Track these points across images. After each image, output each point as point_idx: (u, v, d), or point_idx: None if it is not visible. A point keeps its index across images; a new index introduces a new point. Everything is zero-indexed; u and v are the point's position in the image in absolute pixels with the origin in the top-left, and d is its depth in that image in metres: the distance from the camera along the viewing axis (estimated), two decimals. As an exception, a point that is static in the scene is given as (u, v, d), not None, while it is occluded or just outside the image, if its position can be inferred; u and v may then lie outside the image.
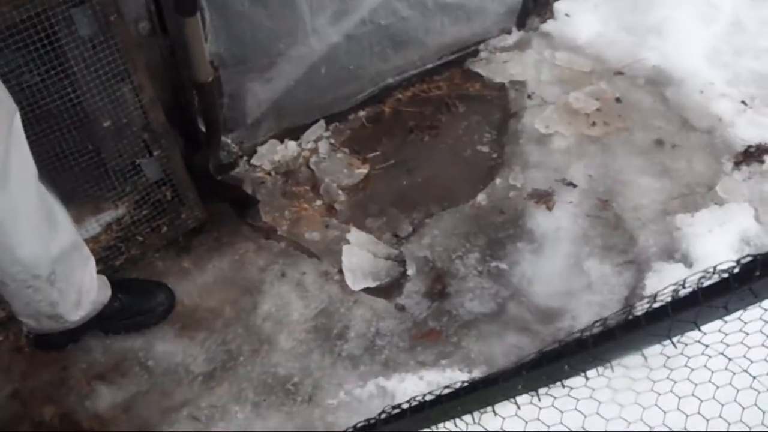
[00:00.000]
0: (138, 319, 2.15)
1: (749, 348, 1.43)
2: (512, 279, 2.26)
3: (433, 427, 1.50)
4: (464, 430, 1.53)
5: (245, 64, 2.35)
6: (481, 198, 2.48)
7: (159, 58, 2.26)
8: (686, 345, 1.30)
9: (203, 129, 2.34)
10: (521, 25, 3.08)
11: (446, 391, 1.40)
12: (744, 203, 2.43)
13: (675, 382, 1.53)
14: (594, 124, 2.70)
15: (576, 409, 1.50)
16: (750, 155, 2.58)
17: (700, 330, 1.11)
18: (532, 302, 2.22)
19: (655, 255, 2.31)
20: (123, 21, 2.04)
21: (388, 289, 2.26)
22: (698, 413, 1.54)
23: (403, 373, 2.04)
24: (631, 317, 1.18)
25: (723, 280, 1.05)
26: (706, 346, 1.38)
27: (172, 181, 2.28)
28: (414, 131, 2.71)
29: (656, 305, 1.15)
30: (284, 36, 2.38)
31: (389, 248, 2.34)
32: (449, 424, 1.51)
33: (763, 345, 1.41)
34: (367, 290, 2.25)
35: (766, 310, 1.16)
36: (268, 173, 2.50)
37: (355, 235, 2.34)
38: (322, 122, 2.67)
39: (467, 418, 1.51)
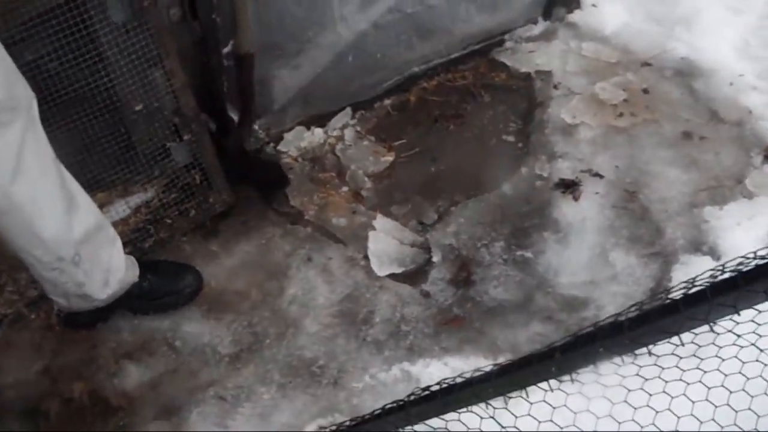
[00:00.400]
0: (166, 300, 2.17)
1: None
2: (537, 268, 2.26)
3: (463, 410, 1.51)
4: (492, 415, 1.54)
5: (274, 50, 2.37)
6: (506, 187, 2.48)
7: (189, 44, 2.28)
8: (718, 334, 1.30)
9: (235, 112, 2.36)
10: (547, 15, 3.07)
11: (477, 373, 1.41)
12: (774, 197, 2.42)
13: (704, 372, 1.53)
14: (621, 115, 2.69)
15: (604, 396, 1.51)
16: (781, 149, 2.57)
17: (739, 314, 1.10)
18: (557, 291, 2.21)
19: (682, 247, 2.30)
20: (156, 7, 2.06)
21: (413, 276, 2.26)
22: (727, 404, 1.54)
23: (428, 358, 2.05)
24: (668, 301, 1.19)
25: (764, 266, 1.05)
26: (738, 336, 1.38)
27: (201, 165, 2.30)
28: (439, 120, 2.71)
29: (694, 290, 1.15)
30: (313, 23, 2.39)
31: (415, 235, 2.35)
32: (478, 408, 1.52)
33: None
34: (392, 276, 2.26)
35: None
36: (295, 159, 2.51)
37: (381, 221, 2.35)
38: (348, 110, 2.67)
39: (495, 403, 1.52)
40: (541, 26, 3.05)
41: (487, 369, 1.42)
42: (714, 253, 2.27)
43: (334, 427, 1.81)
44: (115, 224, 2.06)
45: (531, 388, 1.47)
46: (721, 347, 1.45)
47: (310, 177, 2.49)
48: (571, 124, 2.65)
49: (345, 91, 2.64)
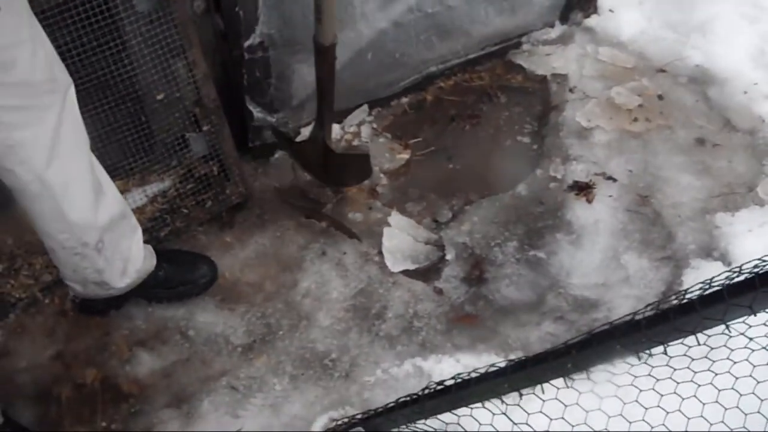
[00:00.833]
0: (180, 289, 2.19)
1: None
2: (550, 268, 2.28)
3: (477, 405, 1.52)
4: (504, 411, 1.55)
5: (294, 46, 2.38)
6: (521, 188, 2.50)
7: (211, 36, 2.30)
8: (730, 336, 1.31)
9: (254, 105, 2.38)
10: (564, 19, 3.08)
11: (492, 369, 1.43)
12: (785, 205, 2.43)
13: (716, 374, 1.54)
14: (636, 120, 2.71)
15: (616, 395, 1.52)
16: (793, 158, 2.58)
17: (755, 315, 1.12)
18: (569, 292, 2.23)
19: (694, 252, 2.32)
20: (182, -2, 2.08)
21: (427, 273, 2.28)
22: (737, 407, 1.55)
23: (440, 354, 2.06)
24: (685, 301, 1.20)
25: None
26: (750, 339, 1.39)
27: (219, 156, 2.31)
28: (455, 120, 2.73)
29: (711, 290, 1.17)
30: (334, 19, 2.40)
31: (429, 233, 2.37)
32: (490, 405, 1.53)
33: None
34: (405, 273, 2.28)
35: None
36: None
37: (396, 218, 2.37)
38: (365, 107, 2.69)
39: (507, 400, 1.53)
40: (558, 30, 3.07)
41: (503, 364, 1.44)
42: (725, 259, 2.28)
43: (346, 420, 1.83)
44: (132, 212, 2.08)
45: (543, 386, 1.48)
46: (733, 350, 1.46)
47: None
48: (586, 127, 2.66)
49: (363, 88, 2.66)
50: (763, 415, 1.51)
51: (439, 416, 1.59)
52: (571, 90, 2.82)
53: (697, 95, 2.85)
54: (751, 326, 1.27)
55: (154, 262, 2.13)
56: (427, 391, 1.53)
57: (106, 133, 2.18)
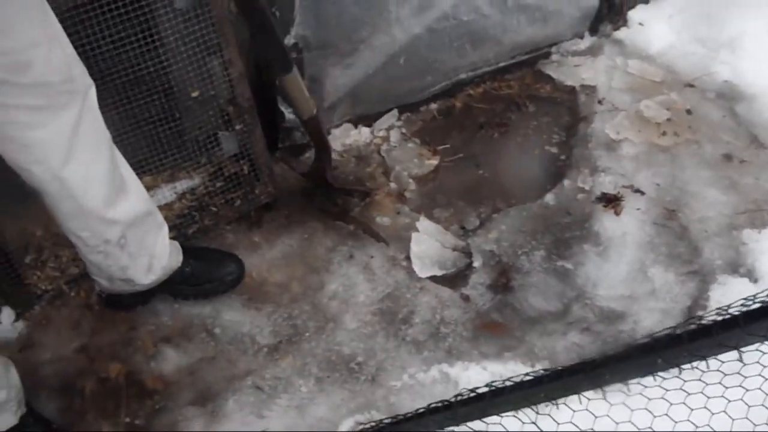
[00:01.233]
0: (207, 286, 2.19)
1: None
2: (577, 279, 2.28)
3: (509, 414, 1.52)
4: (534, 420, 1.55)
5: (328, 48, 2.39)
6: (548, 198, 2.50)
7: (246, 36, 2.30)
8: (763, 353, 1.31)
9: (285, 105, 2.39)
10: (594, 30, 3.09)
11: (528, 377, 1.42)
12: (813, 224, 2.42)
13: (747, 390, 1.54)
14: (664, 133, 2.70)
15: (646, 408, 1.52)
16: (821, 177, 2.57)
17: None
18: (595, 303, 2.22)
19: (720, 268, 2.31)
20: (219, -4, 2.08)
21: (454, 279, 2.28)
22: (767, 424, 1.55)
23: (467, 361, 2.06)
24: (728, 317, 1.20)
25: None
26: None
27: (250, 155, 2.32)
28: (484, 127, 2.73)
29: (754, 306, 1.17)
30: (368, 23, 2.41)
31: (456, 239, 2.37)
32: (521, 413, 1.53)
33: None
34: (433, 278, 2.28)
35: None
36: (341, 155, 2.54)
37: (424, 223, 2.37)
38: (395, 111, 2.70)
39: (538, 409, 1.53)
40: (587, 41, 3.08)
41: (539, 373, 1.44)
42: (751, 276, 2.28)
43: (372, 424, 1.83)
44: (160, 209, 2.07)
45: (572, 397, 1.48)
46: (765, 366, 1.46)
47: (355, 175, 2.52)
48: (614, 139, 2.66)
49: (393, 92, 2.66)
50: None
51: (468, 423, 1.59)
52: (599, 102, 2.82)
53: (725, 111, 2.84)
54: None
55: (180, 258, 2.13)
56: (459, 398, 1.53)
57: (139, 127, 2.19)
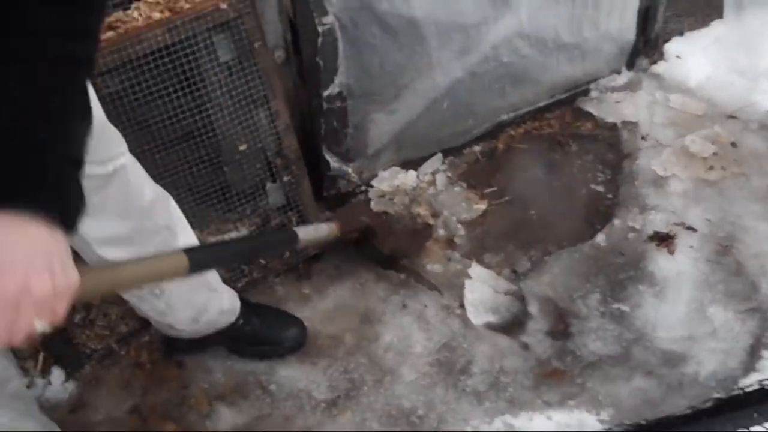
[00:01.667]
0: (264, 348, 2.16)
1: None
2: (635, 322, 2.23)
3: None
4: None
5: (371, 95, 2.38)
6: (600, 238, 2.45)
7: (291, 86, 2.30)
8: None
9: (331, 155, 2.37)
10: (631, 65, 3.06)
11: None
12: None
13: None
14: (711, 168, 2.66)
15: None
16: None
17: None
18: (656, 346, 2.17)
19: (780, 303, 2.26)
20: (267, 48, 2.08)
21: (510, 326, 2.23)
22: None
23: (530, 411, 2.01)
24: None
25: None
26: None
27: (298, 206, 2.30)
28: (528, 168, 2.70)
29: None
30: (411, 69, 2.40)
31: (509, 284, 2.32)
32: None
33: None
34: (488, 326, 2.23)
35: None
36: (391, 199, 2.51)
37: (476, 269, 2.33)
38: (439, 155, 2.68)
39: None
40: (625, 76, 3.05)
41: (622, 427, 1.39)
42: (812, 311, 2.23)
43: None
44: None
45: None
46: None
47: (403, 220, 2.49)
48: (662, 176, 2.62)
49: (437, 137, 2.64)
50: None
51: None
52: (643, 138, 2.79)
53: (770, 142, 2.81)
54: None
55: (232, 320, 2.10)
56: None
57: (186, 181, 2.17)
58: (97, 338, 2.24)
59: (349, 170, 2.48)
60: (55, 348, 2.17)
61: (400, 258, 2.39)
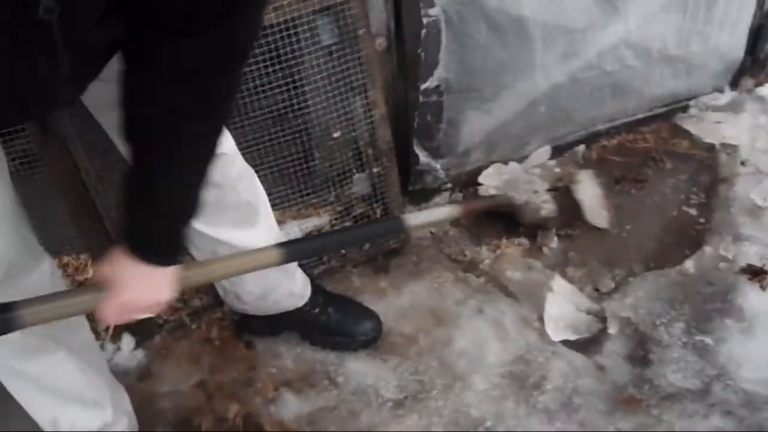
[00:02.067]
0: (338, 339, 2.13)
1: None
2: (719, 357, 2.13)
3: None
4: None
5: (469, 92, 2.33)
6: (688, 264, 2.35)
7: (389, 75, 2.25)
8: None
9: (421, 149, 2.33)
10: (735, 84, 2.94)
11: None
12: None
13: None
14: (813, 202, 2.54)
15: None
16: None
17: None
18: (738, 385, 2.08)
19: None
20: (371, 35, 2.04)
21: (588, 345, 2.16)
22: None
23: (602, 438, 1.95)
24: None
25: None
26: None
27: (385, 198, 2.26)
28: (620, 182, 2.61)
29: None
30: (513, 69, 2.34)
31: (591, 302, 2.25)
32: None
33: None
34: (566, 343, 2.16)
35: None
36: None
37: (559, 283, 2.26)
38: (547, 147, 2.61)
39: None
40: (727, 96, 2.92)
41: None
42: None
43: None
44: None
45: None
46: None
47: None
48: (760, 206, 2.51)
49: (527, 140, 2.58)
50: None
51: None
52: (742, 163, 2.67)
53: None
54: None
55: (299, 304, 2.07)
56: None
57: (276, 163, 2.15)
58: (170, 309, 2.25)
59: (438, 166, 2.43)
60: (127, 315, 2.18)
61: (545, 228, 2.39)
